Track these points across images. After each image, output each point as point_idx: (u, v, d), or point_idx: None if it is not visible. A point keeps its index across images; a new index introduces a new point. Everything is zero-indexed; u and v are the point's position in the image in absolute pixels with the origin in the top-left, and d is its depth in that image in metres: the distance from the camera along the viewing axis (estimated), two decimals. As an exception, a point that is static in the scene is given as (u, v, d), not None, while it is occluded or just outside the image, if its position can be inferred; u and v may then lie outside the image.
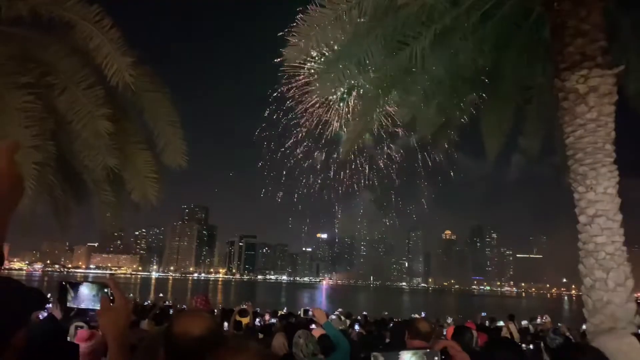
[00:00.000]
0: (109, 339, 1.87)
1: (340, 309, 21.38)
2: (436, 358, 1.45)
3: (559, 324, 14.66)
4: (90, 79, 8.73)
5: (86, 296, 1.88)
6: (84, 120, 8.65)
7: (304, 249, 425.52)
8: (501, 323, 13.89)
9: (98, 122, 8.50)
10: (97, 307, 1.85)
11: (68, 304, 1.90)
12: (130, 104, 10.00)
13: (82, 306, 1.90)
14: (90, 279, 1.99)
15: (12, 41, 8.68)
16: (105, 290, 1.88)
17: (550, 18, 8.96)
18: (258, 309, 20.37)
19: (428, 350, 1.47)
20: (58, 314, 3.96)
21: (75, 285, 1.90)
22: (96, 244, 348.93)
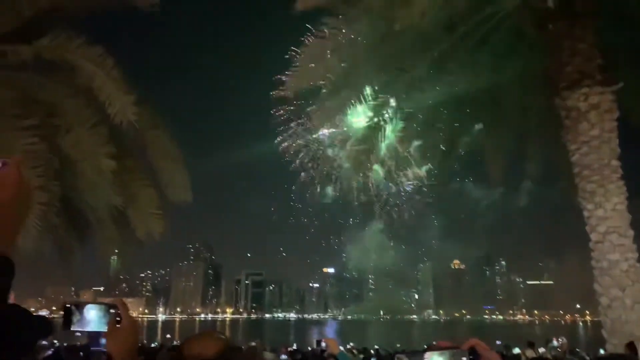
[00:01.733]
0: None
1: (351, 344, 20.92)
2: (464, 358, 1.35)
3: (577, 349, 14.23)
4: (94, 119, 8.80)
5: (92, 318, 1.80)
6: (88, 159, 8.69)
7: (310, 284, 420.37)
8: (517, 350, 13.48)
9: (102, 160, 8.53)
10: (104, 329, 1.77)
11: (72, 327, 1.81)
12: (134, 142, 10.05)
13: (88, 329, 1.81)
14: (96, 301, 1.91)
15: (17, 85, 8.80)
16: (112, 311, 1.80)
17: (545, 39, 9.07)
18: (267, 348, 19.91)
19: (456, 349, 1.38)
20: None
21: (81, 307, 1.82)
22: (102, 288, 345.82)
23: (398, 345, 26.96)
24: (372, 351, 18.43)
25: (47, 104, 8.75)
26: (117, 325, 1.75)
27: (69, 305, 1.80)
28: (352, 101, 9.24)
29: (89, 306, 1.81)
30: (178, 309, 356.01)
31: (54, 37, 8.53)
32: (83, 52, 8.50)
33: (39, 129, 8.25)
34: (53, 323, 1.98)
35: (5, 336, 1.81)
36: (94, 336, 1.97)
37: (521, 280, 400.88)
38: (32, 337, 1.96)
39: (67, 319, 1.79)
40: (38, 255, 10.07)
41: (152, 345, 22.05)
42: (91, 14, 9.79)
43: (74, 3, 9.34)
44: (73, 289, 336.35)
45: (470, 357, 1.34)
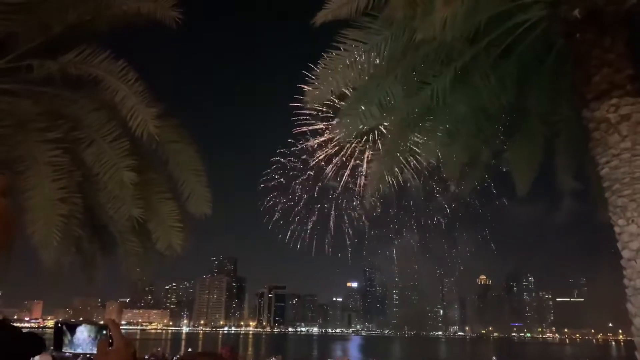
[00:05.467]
0: None
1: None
2: None
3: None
4: (116, 132, 8.91)
5: (83, 339, 1.72)
6: (110, 172, 8.76)
7: (334, 298, 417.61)
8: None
9: (123, 173, 8.60)
10: (95, 350, 1.68)
11: (64, 348, 1.73)
12: (155, 155, 10.12)
13: (79, 351, 1.73)
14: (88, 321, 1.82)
15: (42, 99, 8.99)
16: (104, 332, 1.71)
17: (573, 49, 8.82)
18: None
19: None
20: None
21: (73, 327, 1.73)
22: (127, 300, 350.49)
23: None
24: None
25: (71, 118, 8.90)
26: (109, 347, 1.67)
27: (60, 325, 1.72)
28: (371, 114, 9.12)
29: (80, 327, 1.73)
30: (202, 322, 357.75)
31: (79, 51, 8.70)
32: (106, 66, 8.64)
33: (62, 142, 8.38)
34: (44, 340, 1.90)
35: None
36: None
37: (550, 297, 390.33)
38: (23, 354, 1.89)
39: (59, 340, 1.71)
40: (61, 267, 10.19)
41: (174, 358, 22.13)
42: (116, 29, 9.94)
43: (100, 19, 9.51)
44: (99, 300, 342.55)
45: None
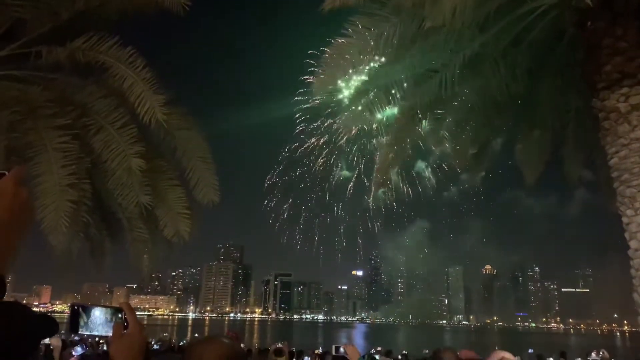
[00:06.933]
0: None
1: (379, 347, 20.70)
2: None
3: (614, 362, 13.59)
4: (124, 119, 8.94)
5: (99, 322, 1.74)
6: (118, 159, 8.81)
7: (339, 286, 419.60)
8: (551, 360, 13.01)
9: (131, 159, 8.63)
10: (110, 333, 1.71)
11: (80, 330, 1.75)
12: (163, 142, 10.16)
13: (95, 333, 1.76)
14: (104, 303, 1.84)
15: (51, 86, 9.03)
16: (120, 315, 1.74)
17: (584, 38, 8.71)
18: (294, 349, 19.89)
19: None
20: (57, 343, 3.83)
21: (88, 309, 1.75)
22: (135, 286, 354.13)
23: (426, 351, 26.52)
24: (399, 356, 18.18)
25: (80, 104, 8.93)
26: (124, 331, 1.69)
27: (76, 307, 1.74)
28: (381, 103, 9.09)
29: (95, 309, 1.74)
30: (208, 308, 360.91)
31: (87, 38, 8.69)
32: (114, 53, 8.63)
33: (71, 129, 8.42)
34: (56, 321, 1.93)
35: (6, 333, 1.76)
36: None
37: (555, 287, 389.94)
38: (33, 334, 1.91)
39: (74, 322, 1.73)
40: (70, 252, 10.30)
41: (181, 343, 22.38)
42: (124, 16, 9.92)
43: (109, 5, 9.50)
44: (107, 285, 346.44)
45: None
